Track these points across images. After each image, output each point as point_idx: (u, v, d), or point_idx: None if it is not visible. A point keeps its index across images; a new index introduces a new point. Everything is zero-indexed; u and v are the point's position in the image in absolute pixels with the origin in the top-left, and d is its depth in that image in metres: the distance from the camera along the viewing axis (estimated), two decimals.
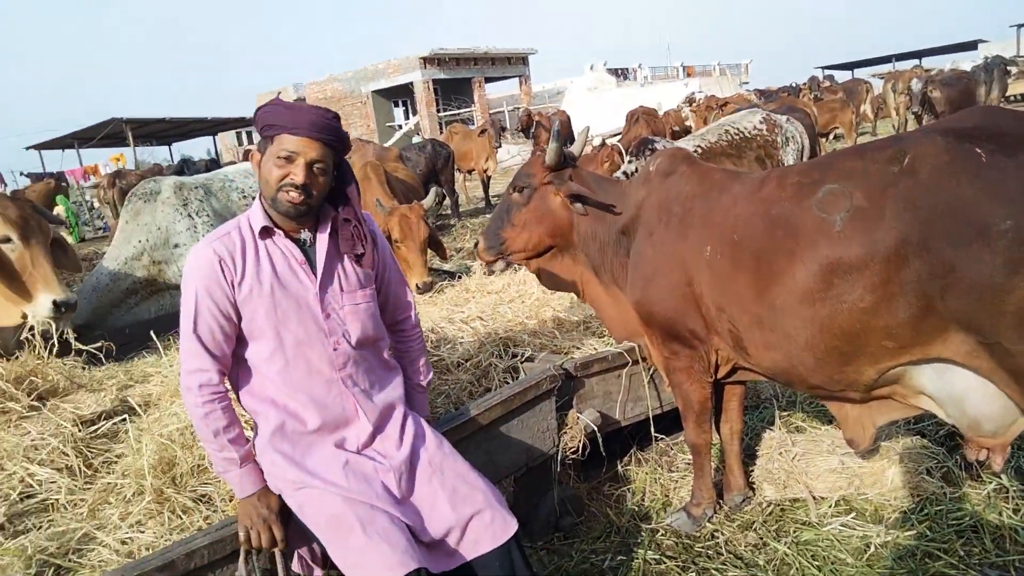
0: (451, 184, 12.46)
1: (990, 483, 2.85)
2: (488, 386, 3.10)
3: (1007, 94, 18.00)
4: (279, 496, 2.00)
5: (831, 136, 15.90)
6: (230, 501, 2.33)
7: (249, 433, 2.11)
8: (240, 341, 2.03)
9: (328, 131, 2.02)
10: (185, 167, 16.29)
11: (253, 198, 5.36)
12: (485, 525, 2.03)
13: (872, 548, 2.64)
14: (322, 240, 2.11)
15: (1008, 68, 16.44)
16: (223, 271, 1.97)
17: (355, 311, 2.13)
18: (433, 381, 2.90)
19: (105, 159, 26.93)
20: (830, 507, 2.90)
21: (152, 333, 3.60)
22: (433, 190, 5.69)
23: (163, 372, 3.50)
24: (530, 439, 2.86)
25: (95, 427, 2.94)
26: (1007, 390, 2.04)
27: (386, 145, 14.34)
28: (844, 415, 2.56)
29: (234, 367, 2.06)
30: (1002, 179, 1.89)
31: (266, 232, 2.06)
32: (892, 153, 2.13)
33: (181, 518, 2.29)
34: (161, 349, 3.52)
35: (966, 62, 18.89)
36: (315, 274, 2.08)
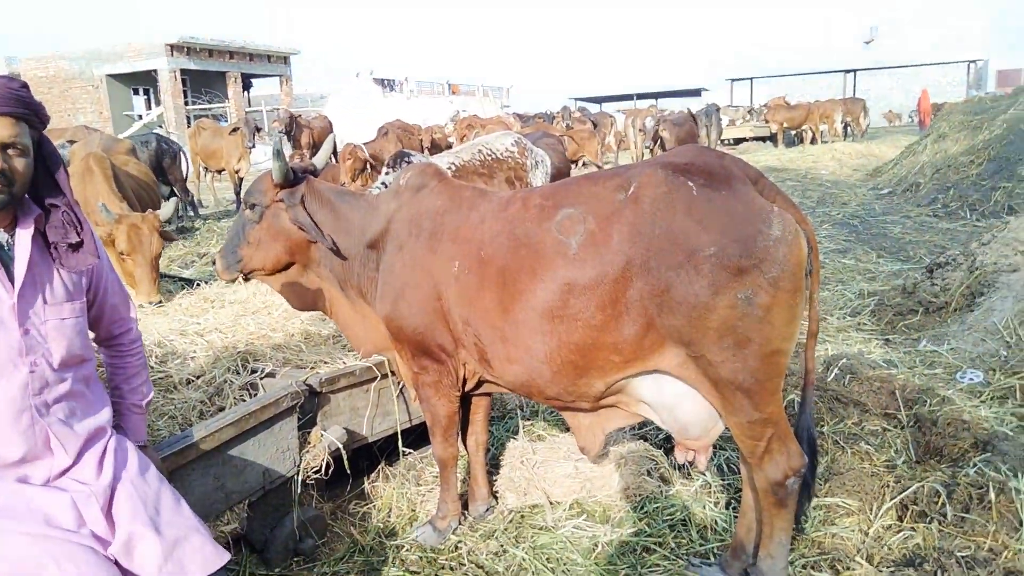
0: (181, 183, 11.56)
1: (697, 480, 3.21)
2: (222, 405, 2.85)
3: (722, 137, 20.83)
4: None
5: (580, 163, 17.20)
6: None
7: None
8: None
9: (18, 103, 1.71)
10: None
11: None
12: (195, 549, 1.82)
13: (599, 547, 2.83)
14: (23, 241, 1.78)
15: (720, 116, 19.00)
16: None
17: (60, 327, 1.82)
18: (154, 400, 2.60)
19: None
20: (565, 511, 3.07)
21: None
22: (173, 201, 5.12)
23: None
24: (267, 460, 2.67)
25: None
26: (709, 397, 2.29)
27: (120, 136, 12.90)
28: (577, 424, 2.72)
29: None
30: (709, 210, 2.13)
31: None
32: (620, 182, 2.31)
33: None
34: None
35: (694, 105, 21.57)
36: (12, 282, 1.75)
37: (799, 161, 16.25)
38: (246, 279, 3.07)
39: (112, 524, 1.78)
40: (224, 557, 1.87)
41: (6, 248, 1.78)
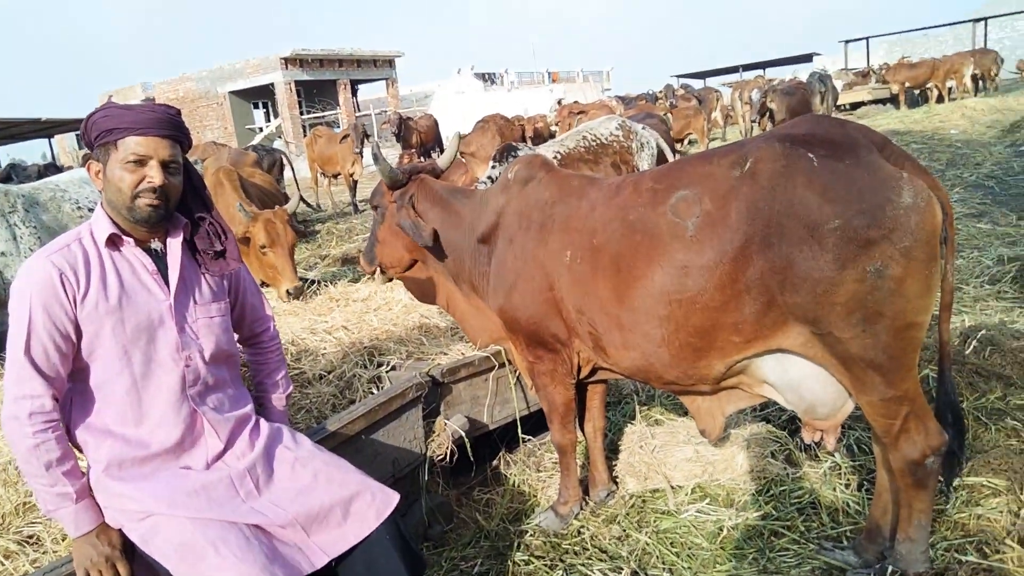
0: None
1: (826, 462, 3.10)
2: (352, 398, 3.02)
3: (838, 103, 19.72)
4: (120, 530, 1.85)
5: (685, 141, 16.78)
6: (62, 541, 2.13)
7: (83, 464, 1.94)
8: (76, 363, 1.87)
9: (175, 127, 1.94)
10: (13, 173, 14.79)
11: (90, 209, 4.95)
12: (368, 503, 2.00)
13: (724, 531, 2.79)
14: (175, 248, 2.00)
15: (833, 81, 17.97)
16: (63, 286, 1.81)
17: (209, 325, 2.04)
18: (293, 395, 2.79)
19: None
20: (687, 495, 3.05)
21: None
22: (296, 196, 5.53)
23: None
24: (396, 449, 2.81)
25: None
26: (837, 375, 2.22)
27: (245, 148, 13.73)
28: (697, 407, 2.69)
29: (65, 394, 1.90)
30: (832, 182, 2.05)
31: (113, 242, 1.92)
32: (735, 158, 2.25)
33: (3, 564, 2.06)
34: None
35: (805, 73, 20.54)
36: (168, 285, 1.96)
37: (925, 122, 15.15)
38: (387, 279, 3.34)
39: (270, 484, 1.97)
40: (394, 499, 2.04)
41: (160, 255, 1.99)
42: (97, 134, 1.89)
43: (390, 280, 3.42)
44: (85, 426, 1.89)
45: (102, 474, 1.85)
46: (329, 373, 3.20)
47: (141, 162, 1.88)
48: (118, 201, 1.90)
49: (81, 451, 1.92)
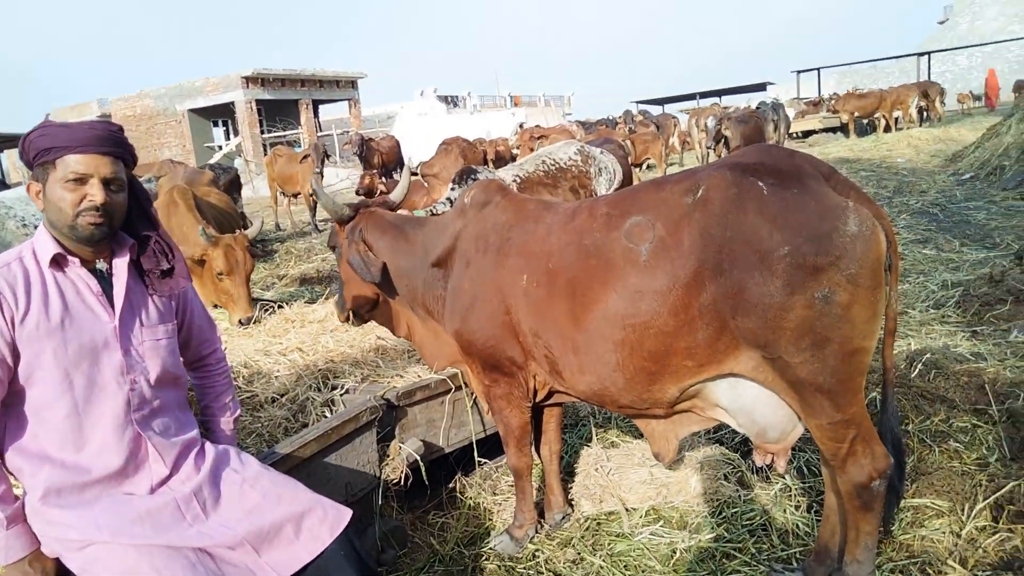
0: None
1: (777, 484, 3.15)
2: (305, 421, 2.98)
3: (790, 131, 20.28)
4: (56, 560, 1.79)
5: (644, 166, 17.05)
6: None
7: (17, 490, 1.87)
8: (12, 387, 1.81)
9: (116, 144, 1.89)
10: None
11: (36, 227, 4.83)
12: (320, 520, 1.97)
13: (677, 553, 2.81)
14: (121, 269, 1.96)
15: (786, 110, 18.50)
16: (1, 307, 1.76)
17: (155, 347, 1.99)
18: (242, 418, 2.74)
19: None
20: (641, 517, 3.06)
21: None
22: (258, 221, 5.42)
23: None
24: (349, 474, 2.77)
25: None
26: (787, 399, 2.26)
27: (202, 166, 13.55)
28: (651, 431, 2.72)
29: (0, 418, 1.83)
30: (781, 209, 2.10)
31: (57, 262, 1.87)
32: (687, 186, 2.30)
33: None
34: None
35: (759, 101, 21.12)
36: (113, 307, 1.91)
37: (873, 151, 15.66)
38: (359, 321, 3.30)
39: (217, 505, 1.93)
40: (346, 515, 2.01)
41: (105, 276, 1.95)
42: (35, 153, 1.84)
43: (364, 323, 3.37)
44: (19, 451, 1.82)
45: (39, 503, 1.79)
46: (282, 396, 3.14)
47: (81, 180, 1.84)
48: (59, 221, 1.86)
49: (16, 477, 1.85)
